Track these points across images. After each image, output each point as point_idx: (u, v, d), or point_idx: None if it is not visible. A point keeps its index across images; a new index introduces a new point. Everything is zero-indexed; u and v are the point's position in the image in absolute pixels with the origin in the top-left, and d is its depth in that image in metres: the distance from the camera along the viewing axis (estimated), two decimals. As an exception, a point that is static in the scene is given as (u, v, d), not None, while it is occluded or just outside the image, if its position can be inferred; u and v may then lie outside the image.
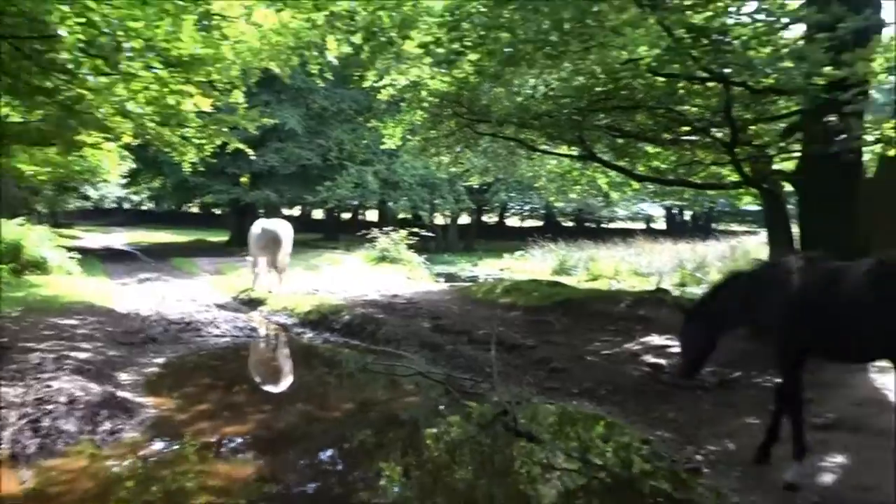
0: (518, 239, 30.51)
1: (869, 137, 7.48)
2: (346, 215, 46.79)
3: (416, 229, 21.68)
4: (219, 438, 5.80)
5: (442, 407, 6.95)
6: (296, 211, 47.37)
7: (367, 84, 11.97)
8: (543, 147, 13.23)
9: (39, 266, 15.68)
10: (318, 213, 47.93)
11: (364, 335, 10.14)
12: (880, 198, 8.76)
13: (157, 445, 5.52)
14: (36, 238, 16.44)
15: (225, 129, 13.35)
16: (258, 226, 14.31)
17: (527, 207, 47.78)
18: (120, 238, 36.70)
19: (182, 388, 7.31)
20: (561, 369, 7.78)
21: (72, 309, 11.08)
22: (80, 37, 7.81)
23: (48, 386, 6.25)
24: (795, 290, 4.59)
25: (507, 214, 51.48)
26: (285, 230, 13.95)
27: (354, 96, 27.64)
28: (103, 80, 9.60)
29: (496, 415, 6.25)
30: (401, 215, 35.92)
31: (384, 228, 21.64)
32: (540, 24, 8.30)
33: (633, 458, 5.46)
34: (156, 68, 9.18)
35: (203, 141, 13.06)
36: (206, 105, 11.42)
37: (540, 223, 47.41)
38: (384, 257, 20.68)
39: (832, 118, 7.18)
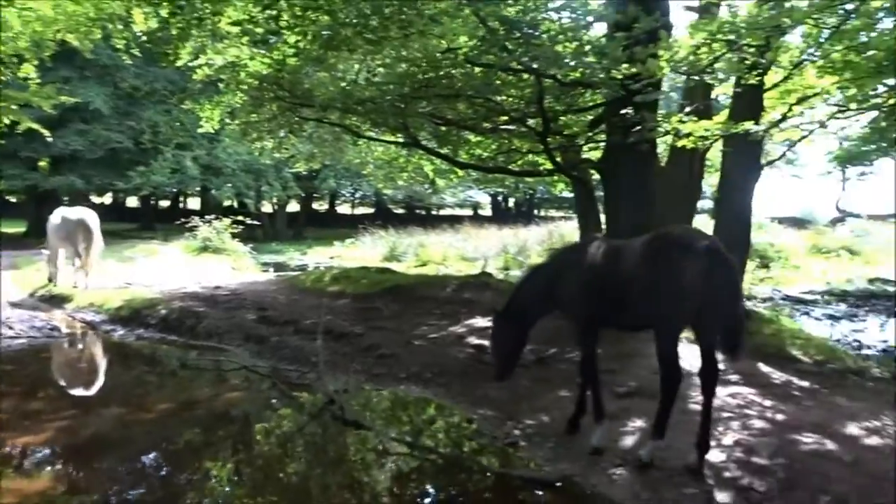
0: (349, 226, 30.37)
1: (661, 129, 8.27)
2: (165, 203, 44.01)
3: (241, 217, 20.87)
4: (14, 450, 5.23)
5: (272, 401, 6.79)
6: (107, 199, 43.75)
7: (180, 63, 11.26)
8: (369, 133, 13.22)
9: None
10: (132, 201, 44.50)
11: (183, 330, 9.63)
12: (670, 183, 9.75)
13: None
14: None
15: (14, 107, 12.02)
16: (58, 215, 12.99)
17: (357, 195, 47.71)
18: None
19: None
20: (389, 355, 7.88)
21: None
22: None
23: None
24: (584, 269, 4.98)
25: (338, 202, 51.07)
26: (91, 219, 12.80)
27: (169, 76, 25.83)
28: None
29: (324, 405, 6.21)
30: (225, 203, 34.30)
31: (206, 217, 20.58)
32: (360, 8, 8.28)
33: (461, 437, 5.67)
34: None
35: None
36: (-14, 79, 10.23)
37: (371, 210, 47.57)
38: (206, 247, 19.73)
39: (629, 111, 7.84)
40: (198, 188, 32.97)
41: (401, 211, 47.21)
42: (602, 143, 10.53)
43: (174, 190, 35.59)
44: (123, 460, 5.24)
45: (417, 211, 46.58)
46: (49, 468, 5.05)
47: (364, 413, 6.18)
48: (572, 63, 8.28)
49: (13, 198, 45.30)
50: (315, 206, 47.27)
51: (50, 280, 13.30)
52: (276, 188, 31.70)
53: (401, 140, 12.45)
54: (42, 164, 26.70)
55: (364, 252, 22.49)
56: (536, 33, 8.46)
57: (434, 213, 46.25)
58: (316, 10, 8.45)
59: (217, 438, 5.84)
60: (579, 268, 5.03)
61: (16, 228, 30.88)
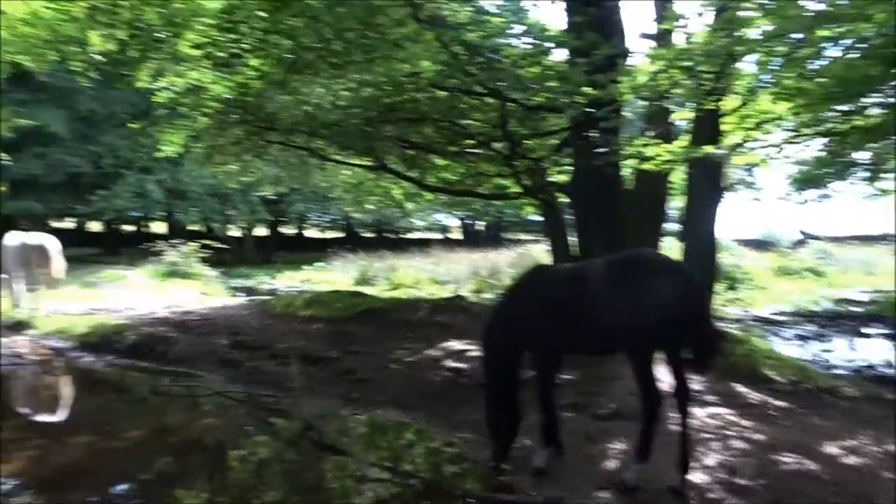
0: (318, 250, 30.18)
1: (625, 153, 8.42)
2: (129, 228, 43.22)
3: (208, 241, 20.61)
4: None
5: (247, 427, 6.65)
6: (69, 223, 42.84)
7: (139, 85, 11.15)
8: (335, 157, 13.22)
9: None
10: (95, 226, 43.65)
11: (153, 356, 9.46)
12: (637, 204, 9.90)
13: None
14: None
15: (-34, 129, 11.77)
16: (15, 239, 12.67)
17: (326, 219, 47.42)
18: None
19: None
20: (365, 379, 7.80)
21: None
22: None
23: None
24: (542, 294, 4.90)
25: (306, 226, 50.73)
26: (50, 244, 12.53)
27: (129, 98, 25.53)
28: None
29: (302, 430, 6.11)
30: (191, 227, 33.88)
31: (173, 241, 20.30)
32: (322, 33, 8.31)
33: (442, 461, 5.57)
34: None
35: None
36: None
37: (340, 234, 47.33)
38: (174, 272, 19.42)
39: (593, 133, 7.98)
40: (163, 212, 32.50)
41: (370, 235, 47.07)
42: (568, 167, 10.68)
43: (138, 214, 35.03)
44: (93, 490, 5.08)
45: (387, 235, 46.46)
46: (16, 500, 4.86)
47: (342, 438, 6.08)
48: (535, 87, 8.41)
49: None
50: (283, 230, 46.94)
51: (15, 306, 12.97)
52: (243, 212, 31.44)
53: (368, 164, 12.46)
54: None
55: (335, 276, 22.35)
56: (498, 58, 8.59)
57: (403, 236, 46.18)
58: (277, 34, 8.44)
59: (191, 467, 5.71)
60: (537, 293, 4.95)
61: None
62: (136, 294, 16.18)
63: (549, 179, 11.38)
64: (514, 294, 5.26)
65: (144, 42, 9.02)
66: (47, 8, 9.46)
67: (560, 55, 9.75)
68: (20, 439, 6.29)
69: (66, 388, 8.81)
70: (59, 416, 7.50)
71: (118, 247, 33.27)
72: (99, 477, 5.37)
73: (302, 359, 8.46)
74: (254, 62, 9.30)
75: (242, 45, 8.27)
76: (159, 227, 42.07)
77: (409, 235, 46.63)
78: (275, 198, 27.37)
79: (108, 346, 10.11)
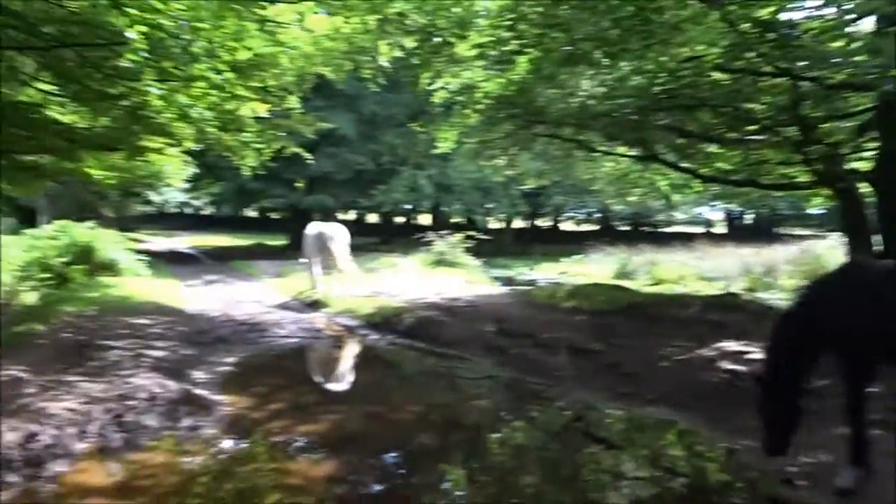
0: (574, 243, 30.19)
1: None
2: (400, 219, 47.14)
3: (471, 232, 21.67)
4: (291, 438, 5.91)
5: (512, 411, 6.91)
6: (350, 215, 47.99)
7: (420, 87, 12.05)
8: (602, 148, 13.08)
9: (110, 267, 16.31)
10: (372, 218, 48.48)
11: (427, 338, 10.18)
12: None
13: (234, 443, 5.67)
14: (106, 241, 17.11)
15: (282, 134, 13.71)
16: (313, 228, 14.55)
17: (582, 211, 47.24)
18: (183, 241, 37.87)
19: (254, 388, 7.46)
20: (632, 374, 7.65)
21: (144, 309, 11.48)
22: (145, 45, 8.10)
23: (128, 382, 6.51)
24: (861, 295, 4.36)
25: (562, 218, 51.01)
26: (340, 233, 14.16)
27: (405, 100, 27.92)
28: (165, 85, 9.94)
29: (569, 420, 6.20)
30: (454, 219, 36.01)
31: (440, 232, 21.72)
32: (598, 22, 8.22)
33: (722, 468, 5.29)
34: (220, 72, 9.37)
35: (261, 146, 13.42)
36: (262, 110, 11.71)
37: (596, 227, 46.86)
38: (441, 261, 20.72)
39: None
40: (430, 205, 34.93)
41: (627, 228, 45.92)
42: (871, 152, 9.39)
43: (409, 207, 38.06)
44: (370, 456, 5.61)
45: (644, 228, 44.97)
46: (315, 456, 5.55)
47: (612, 432, 6.03)
48: (838, 63, 7.47)
49: (275, 214, 51.63)
50: (539, 222, 47.75)
51: (312, 286, 14.90)
52: (504, 205, 32.56)
53: (637, 154, 12.13)
54: (299, 184, 30.10)
55: (593, 269, 22.19)
56: (795, 33, 7.78)
57: (662, 230, 44.32)
58: (554, 28, 8.51)
59: (453, 443, 6.05)
60: (854, 293, 4.41)
61: (278, 241, 35.16)
62: (409, 280, 17.62)
63: (848, 167, 10.08)
64: (823, 292, 4.72)
65: (434, 47, 9.64)
66: (347, 22, 10.66)
67: (865, 24, 8.59)
68: (313, 404, 7.17)
69: (357, 361, 9.78)
70: (350, 385, 8.33)
71: (391, 236, 36.53)
72: (375, 443, 5.91)
73: (567, 349, 8.52)
74: (524, 58, 9.49)
75: (523, 41, 8.45)
76: (425, 219, 45.35)
77: (668, 229, 44.63)
78: (535, 191, 27.92)
79: (389, 326, 11.12)
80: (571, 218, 50.68)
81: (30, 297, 14.25)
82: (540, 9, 8.56)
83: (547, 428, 6.23)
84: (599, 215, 45.56)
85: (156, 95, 9.81)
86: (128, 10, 6.75)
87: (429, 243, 21.22)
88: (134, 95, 10.17)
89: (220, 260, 25.85)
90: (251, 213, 56.17)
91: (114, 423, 5.55)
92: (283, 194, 29.24)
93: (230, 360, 8.66)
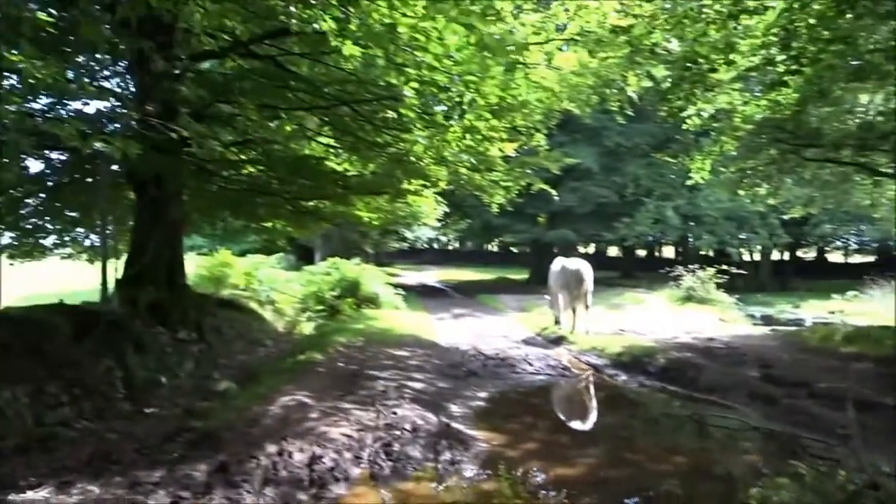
0: (844, 276, 26.67)
1: None
2: (642, 252, 45.60)
3: (725, 266, 20.15)
4: (549, 479, 5.81)
5: (770, 468, 6.15)
6: (590, 248, 47.52)
7: (670, 116, 11.49)
8: (889, 170, 11.42)
9: (373, 301, 17.86)
10: (612, 251, 47.50)
11: (682, 381, 9.52)
12: None
13: (494, 480, 5.70)
14: (369, 276, 18.79)
15: (529, 171, 13.97)
16: (558, 264, 14.49)
17: (853, 240, 41.71)
18: (431, 275, 40.35)
19: (506, 424, 7.50)
20: (939, 437, 6.43)
21: (403, 341, 12.29)
22: (416, 100, 8.76)
23: (394, 413, 6.93)
24: None
25: (828, 249, 45.53)
26: (586, 269, 13.93)
27: (649, 130, 27.10)
28: (426, 132, 10.65)
29: (864, 485, 5.32)
30: (703, 251, 33.87)
31: (688, 266, 20.52)
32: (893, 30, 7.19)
33: None
34: (484, 118, 9.78)
35: (509, 183, 13.81)
36: (510, 149, 12.06)
37: (871, 258, 41.10)
38: (690, 297, 19.54)
39: None
40: (676, 237, 33.31)
41: (912, 259, 39.57)
42: None
43: (652, 239, 36.66)
44: (608, 497, 5.37)
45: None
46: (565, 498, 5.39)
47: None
48: None
49: (516, 249, 52.98)
50: (799, 253, 43.12)
51: (556, 322, 14.85)
52: (761, 236, 29.93)
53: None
54: (541, 219, 30.53)
55: (874, 307, 19.33)
56: None
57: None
58: (835, 42, 7.60)
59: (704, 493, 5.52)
60: None
61: (519, 275, 35.91)
62: (656, 317, 16.79)
63: None
64: None
65: (694, 76, 9.13)
66: (593, 57, 10.58)
67: None
68: (564, 444, 6.99)
69: (608, 404, 9.34)
70: (605, 429, 7.95)
71: (633, 270, 35.38)
72: (625, 486, 5.61)
73: (852, 402, 7.39)
74: (797, 77, 8.59)
75: (797, 59, 7.67)
76: (669, 251, 43.35)
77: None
78: (795, 220, 25.23)
79: (639, 366, 10.57)
80: (840, 248, 45.05)
81: (307, 327, 16.06)
82: (813, 21, 7.72)
83: (822, 489, 5.38)
84: (875, 245, 39.77)
85: (421, 144, 10.64)
86: (406, 69, 7.35)
87: (677, 278, 20.14)
88: (398, 144, 11.10)
89: (466, 294, 27.00)
90: (493, 247, 58.27)
91: (383, 450, 5.90)
92: (525, 229, 29.88)
93: (482, 394, 8.84)
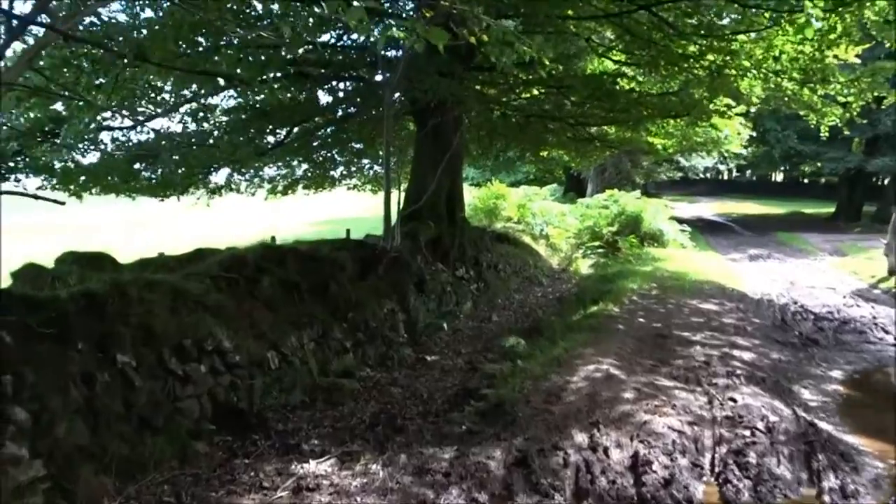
0: None
1: None
2: None
3: None
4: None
5: None
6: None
7: None
8: None
9: (656, 238, 15.97)
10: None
11: None
12: None
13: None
14: (652, 211, 16.82)
15: (881, 81, 10.84)
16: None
17: None
18: (706, 208, 36.54)
19: (890, 424, 5.40)
20: None
21: (702, 290, 10.46)
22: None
23: (732, 400, 5.34)
24: None
25: None
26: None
27: None
28: (743, 38, 8.52)
29: None
30: None
31: None
32: None
33: None
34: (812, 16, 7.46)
35: (850, 98, 10.84)
36: (851, 55, 9.26)
37: None
38: None
39: None
40: None
41: None
42: None
43: None
44: None
45: None
46: None
47: None
48: None
49: (807, 180, 46.13)
50: None
51: (890, 273, 11.93)
52: None
53: None
54: (856, 144, 25.40)
55: None
56: None
57: None
58: None
59: None
60: None
61: (817, 209, 30.83)
62: None
63: None
64: None
65: None
66: None
67: None
68: None
69: None
70: None
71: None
72: None
73: None
74: None
75: None
76: None
77: None
78: None
79: None
80: None
81: (583, 265, 14.79)
82: None
83: None
84: None
85: (745, 53, 8.59)
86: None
87: None
88: (709, 55, 9.01)
89: (756, 231, 23.58)
90: (777, 177, 51.51)
91: (733, 460, 4.35)
92: (840, 156, 25.01)
93: (835, 374, 6.66)
